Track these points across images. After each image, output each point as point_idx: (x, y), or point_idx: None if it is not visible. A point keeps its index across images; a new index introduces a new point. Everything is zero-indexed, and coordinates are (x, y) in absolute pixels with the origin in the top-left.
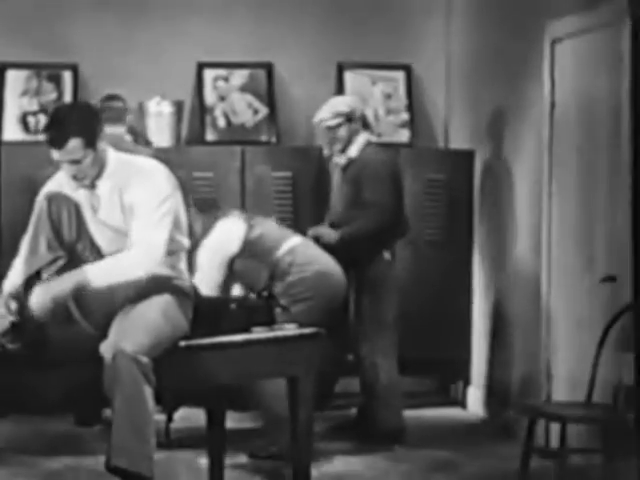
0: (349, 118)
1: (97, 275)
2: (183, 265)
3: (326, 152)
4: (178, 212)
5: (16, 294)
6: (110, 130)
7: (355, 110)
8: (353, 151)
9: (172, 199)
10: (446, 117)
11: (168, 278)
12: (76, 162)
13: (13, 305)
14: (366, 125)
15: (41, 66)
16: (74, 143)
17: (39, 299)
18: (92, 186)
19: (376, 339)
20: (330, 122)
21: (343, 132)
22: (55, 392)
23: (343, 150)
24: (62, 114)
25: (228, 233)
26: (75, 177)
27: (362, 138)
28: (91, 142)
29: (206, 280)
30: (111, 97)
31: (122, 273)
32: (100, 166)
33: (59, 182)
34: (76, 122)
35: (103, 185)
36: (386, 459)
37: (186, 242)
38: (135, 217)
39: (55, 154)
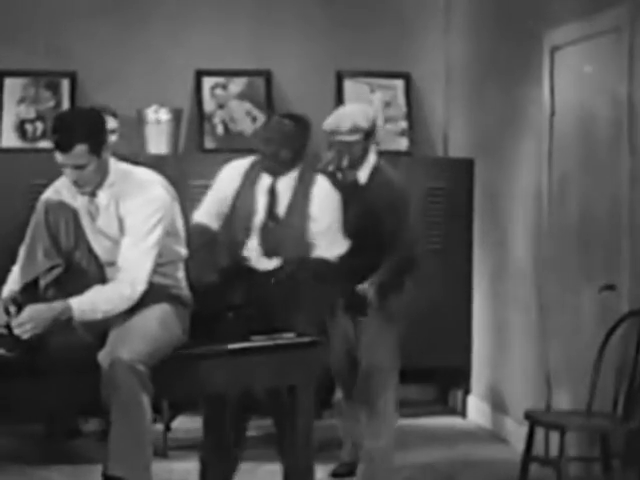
0: (367, 134)
1: (83, 312)
2: (181, 274)
3: (326, 167)
4: (175, 223)
5: (14, 299)
6: None
7: (374, 126)
8: (363, 176)
9: (166, 216)
10: (445, 125)
11: (166, 287)
12: (80, 167)
13: (11, 309)
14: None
15: (39, 74)
16: (80, 148)
17: (27, 326)
18: (93, 194)
19: None
20: (347, 137)
21: (358, 150)
22: (52, 401)
23: (351, 167)
24: (71, 118)
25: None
26: (76, 183)
27: (372, 157)
28: (96, 149)
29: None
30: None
31: (110, 305)
32: (102, 175)
33: (58, 190)
34: (84, 128)
35: (103, 194)
36: None
37: (183, 252)
38: (126, 235)
39: (59, 157)
